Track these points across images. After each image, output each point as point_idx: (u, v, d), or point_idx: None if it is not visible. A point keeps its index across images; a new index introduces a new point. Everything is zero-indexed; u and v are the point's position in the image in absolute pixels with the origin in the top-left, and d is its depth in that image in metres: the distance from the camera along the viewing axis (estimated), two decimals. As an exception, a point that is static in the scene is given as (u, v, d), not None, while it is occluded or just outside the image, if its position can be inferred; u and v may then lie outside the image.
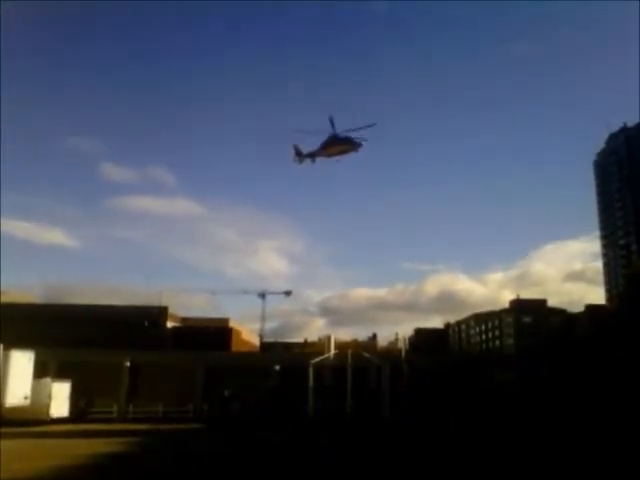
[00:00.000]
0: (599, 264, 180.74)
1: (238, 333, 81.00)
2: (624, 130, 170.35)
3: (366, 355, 51.75)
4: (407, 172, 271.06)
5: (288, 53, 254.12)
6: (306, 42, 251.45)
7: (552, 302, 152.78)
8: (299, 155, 59.22)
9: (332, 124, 54.71)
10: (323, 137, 56.59)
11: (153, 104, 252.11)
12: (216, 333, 71.72)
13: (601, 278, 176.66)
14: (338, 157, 56.59)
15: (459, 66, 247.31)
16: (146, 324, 68.21)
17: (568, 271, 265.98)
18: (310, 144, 58.92)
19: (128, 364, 48.70)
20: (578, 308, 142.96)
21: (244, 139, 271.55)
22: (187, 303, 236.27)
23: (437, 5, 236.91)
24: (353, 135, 54.58)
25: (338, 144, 55.11)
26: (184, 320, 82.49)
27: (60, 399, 42.52)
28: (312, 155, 58.45)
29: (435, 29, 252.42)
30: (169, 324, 74.07)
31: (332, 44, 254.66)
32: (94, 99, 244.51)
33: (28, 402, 36.53)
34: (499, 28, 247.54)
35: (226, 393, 44.67)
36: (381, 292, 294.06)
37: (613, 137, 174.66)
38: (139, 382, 48.19)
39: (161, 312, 73.25)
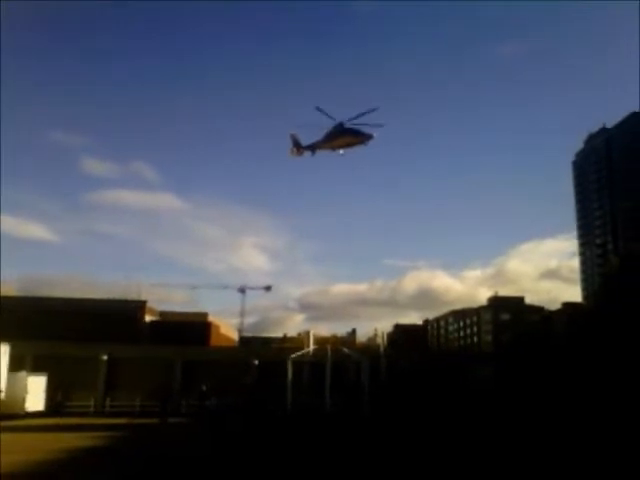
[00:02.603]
0: (575, 262, 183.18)
1: (217, 328, 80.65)
2: (603, 131, 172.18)
3: (345, 350, 51.90)
4: (389, 170, 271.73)
5: (274, 49, 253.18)
6: (291, 38, 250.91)
7: (529, 300, 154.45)
8: (297, 147, 53.52)
9: (325, 113, 48.56)
10: (315, 133, 51.76)
11: (136, 99, 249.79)
12: (195, 328, 71.29)
13: (577, 276, 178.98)
14: (343, 150, 50.67)
15: (443, 65, 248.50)
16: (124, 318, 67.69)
17: (544, 269, 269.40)
18: (305, 139, 53.69)
19: (105, 358, 48.34)
20: (555, 306, 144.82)
21: (227, 135, 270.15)
22: (166, 298, 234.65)
23: (422, 6, 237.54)
24: (353, 124, 48.95)
25: (345, 135, 49.33)
26: (162, 314, 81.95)
27: (36, 393, 42.14)
28: (313, 147, 52.71)
29: (420, 29, 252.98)
30: (147, 318, 73.53)
31: (313, 41, 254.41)
32: (76, 93, 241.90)
33: (3, 396, 36.15)
34: (484, 30, 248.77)
35: (204, 388, 44.49)
36: (361, 288, 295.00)
37: (592, 137, 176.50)
38: (116, 376, 47.88)
39: (139, 306, 72.68)
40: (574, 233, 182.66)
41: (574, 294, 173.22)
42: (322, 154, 53.20)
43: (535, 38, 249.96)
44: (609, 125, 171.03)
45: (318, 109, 47.94)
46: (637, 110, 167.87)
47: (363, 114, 47.67)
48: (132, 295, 77.91)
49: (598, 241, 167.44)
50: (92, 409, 45.25)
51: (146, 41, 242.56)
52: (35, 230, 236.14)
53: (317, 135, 52.50)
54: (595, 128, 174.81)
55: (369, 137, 48.56)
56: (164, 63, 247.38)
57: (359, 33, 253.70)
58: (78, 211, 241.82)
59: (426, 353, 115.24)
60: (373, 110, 47.74)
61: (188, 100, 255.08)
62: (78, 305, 68.46)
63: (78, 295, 75.99)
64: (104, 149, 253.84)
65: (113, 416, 42.74)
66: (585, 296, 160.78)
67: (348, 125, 49.03)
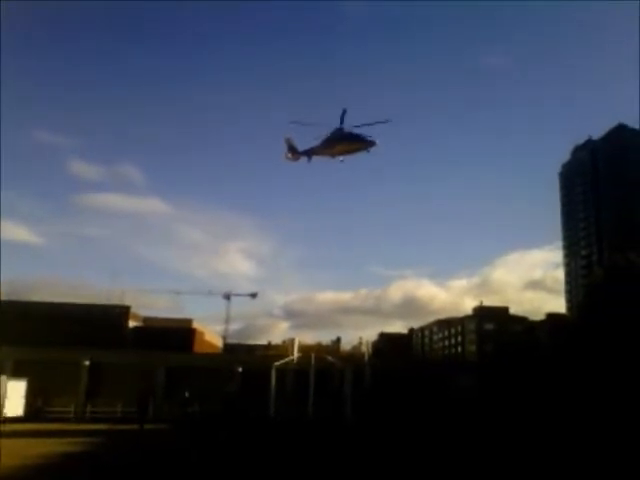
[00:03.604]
0: (559, 273, 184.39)
1: (201, 334, 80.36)
2: (589, 142, 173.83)
3: (330, 359, 51.80)
4: (376, 178, 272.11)
5: (264, 51, 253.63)
6: (278, 41, 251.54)
7: (513, 310, 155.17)
8: (292, 151, 49.83)
9: (342, 117, 45.35)
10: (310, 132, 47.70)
11: (124, 101, 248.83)
12: (179, 334, 70.98)
13: (561, 287, 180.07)
14: (342, 157, 47.25)
15: (429, 74, 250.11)
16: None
17: (528, 280, 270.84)
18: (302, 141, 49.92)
19: (87, 363, 47.87)
20: (538, 316, 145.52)
21: (214, 139, 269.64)
22: (151, 303, 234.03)
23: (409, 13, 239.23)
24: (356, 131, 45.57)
25: (346, 142, 45.97)
26: (146, 320, 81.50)
27: (15, 398, 41.67)
28: (310, 153, 49.14)
29: (406, 38, 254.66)
30: (131, 324, 73.12)
31: (293, 43, 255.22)
32: (63, 94, 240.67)
33: (-19, 401, 35.66)
34: (473, 41, 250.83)
35: (187, 394, 44.14)
36: (346, 296, 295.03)
37: (578, 149, 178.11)
38: (99, 382, 47.41)
39: (123, 312, 72.27)
40: (559, 244, 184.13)
41: (558, 305, 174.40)
42: (318, 160, 50.11)
43: (519, 47, 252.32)
44: (595, 137, 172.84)
45: (342, 115, 45.44)
46: (623, 122, 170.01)
47: (373, 124, 45.33)
48: (116, 300, 77.47)
49: (583, 252, 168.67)
50: (72, 415, 44.74)
51: (134, 43, 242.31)
52: (19, 233, 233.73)
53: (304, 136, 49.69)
54: (581, 140, 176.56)
55: (372, 144, 45.56)
56: (153, 65, 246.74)
57: (348, 35, 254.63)
58: (64, 214, 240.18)
59: (410, 362, 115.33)
60: (385, 122, 45.57)
61: (177, 103, 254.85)
62: (61, 310, 67.96)
63: (63, 299, 74.96)
64: (91, 151, 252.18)
65: (94, 422, 42.31)
66: (569, 307, 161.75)
67: (348, 130, 46.06)
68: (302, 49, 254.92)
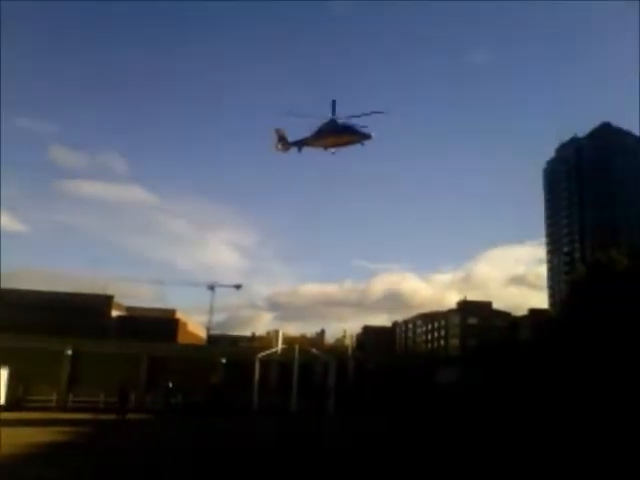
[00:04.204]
0: (541, 269, 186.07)
1: (184, 325, 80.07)
2: (574, 140, 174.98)
3: (314, 351, 51.86)
4: (361, 171, 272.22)
5: (251, 37, 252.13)
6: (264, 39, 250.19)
7: (496, 305, 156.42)
8: (283, 142, 48.48)
9: (333, 108, 44.04)
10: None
11: (106, 88, 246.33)
12: (162, 324, 70.66)
13: (543, 283, 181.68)
14: (334, 149, 45.92)
15: (417, 70, 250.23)
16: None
17: (511, 275, 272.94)
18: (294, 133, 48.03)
19: (70, 352, 47.51)
20: (521, 311, 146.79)
21: (199, 129, 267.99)
22: (134, 293, 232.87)
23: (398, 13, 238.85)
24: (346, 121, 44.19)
25: (340, 134, 44.70)
26: (129, 310, 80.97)
27: (-4, 386, 41.24)
28: (301, 143, 47.75)
29: (396, 36, 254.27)
30: (114, 313, 72.64)
31: (281, 39, 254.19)
32: (45, 80, 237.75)
33: (-39, 389, 35.27)
34: (461, 39, 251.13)
35: (170, 385, 43.99)
36: (330, 288, 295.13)
37: (563, 147, 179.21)
38: (81, 371, 47.10)
39: (106, 301, 71.75)
40: (542, 240, 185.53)
41: (540, 300, 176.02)
42: (305, 153, 48.53)
43: (510, 50, 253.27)
44: (580, 134, 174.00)
45: (332, 106, 43.78)
46: (607, 121, 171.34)
47: (367, 114, 43.67)
48: (99, 289, 76.86)
49: (566, 249, 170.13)
50: (54, 404, 44.41)
51: (120, 29, 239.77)
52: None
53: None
54: (566, 137, 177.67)
55: (367, 137, 44.22)
56: (137, 53, 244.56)
57: (334, 34, 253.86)
58: (45, 201, 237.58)
59: (394, 355, 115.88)
60: (380, 112, 43.99)
61: (162, 92, 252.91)
62: (44, 298, 67.25)
63: (44, 288, 74.29)
64: (73, 138, 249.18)
65: (76, 411, 42.01)
66: (551, 303, 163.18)
67: (342, 121, 44.49)
68: (289, 45, 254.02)
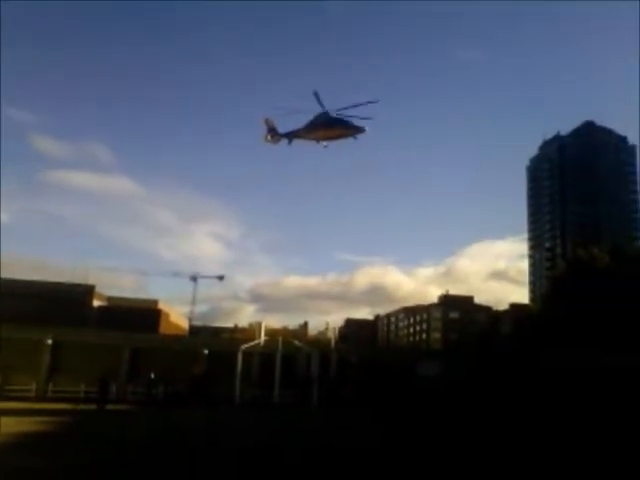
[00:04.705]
0: (522, 264, 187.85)
1: (167, 315, 79.49)
2: (557, 138, 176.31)
3: (296, 343, 51.83)
4: (346, 164, 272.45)
5: (239, 30, 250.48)
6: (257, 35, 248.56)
7: (477, 299, 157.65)
8: (272, 133, 47.45)
9: (318, 100, 42.95)
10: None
11: (91, 77, 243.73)
12: (144, 314, 70.04)
13: (524, 278, 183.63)
14: (326, 142, 45.13)
15: (405, 64, 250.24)
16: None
17: (492, 270, 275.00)
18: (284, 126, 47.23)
19: (50, 341, 47.03)
20: (502, 306, 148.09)
21: (185, 120, 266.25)
22: (116, 283, 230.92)
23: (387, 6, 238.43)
24: (339, 114, 43.50)
25: (333, 127, 43.72)
26: (111, 300, 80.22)
27: (-26, 375, 40.72)
28: (292, 135, 46.83)
29: (382, 33, 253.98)
30: (95, 303, 71.95)
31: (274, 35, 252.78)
32: (29, 69, 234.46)
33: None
34: (450, 34, 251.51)
35: (152, 375, 43.74)
36: (313, 281, 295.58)
37: (546, 144, 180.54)
38: (61, 361, 46.61)
39: (87, 290, 71.02)
40: (524, 236, 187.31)
41: (521, 295, 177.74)
42: (295, 144, 47.63)
43: (499, 45, 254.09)
44: (563, 132, 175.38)
45: (315, 96, 42.28)
46: (591, 119, 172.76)
47: (360, 105, 42.57)
48: (80, 279, 75.98)
49: (547, 245, 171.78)
50: (34, 394, 43.97)
51: (105, 18, 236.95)
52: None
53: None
54: (550, 135, 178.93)
55: (360, 130, 43.22)
56: (123, 43, 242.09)
57: (326, 30, 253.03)
58: (28, 191, 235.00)
59: (376, 348, 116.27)
60: (374, 102, 42.91)
61: (149, 83, 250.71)
62: (24, 287, 66.31)
63: (25, 277, 73.21)
64: (58, 128, 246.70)
65: (56, 401, 41.64)
66: (532, 298, 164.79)
67: (335, 114, 43.61)
68: (279, 41, 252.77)
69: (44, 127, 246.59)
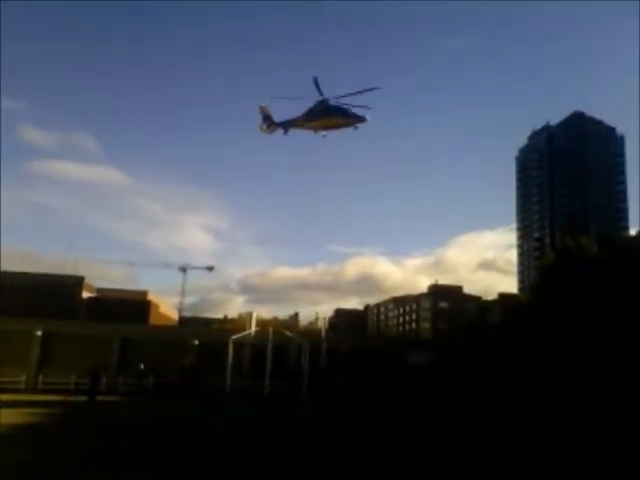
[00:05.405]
0: (511, 254, 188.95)
1: (156, 306, 79.23)
2: (546, 128, 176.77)
3: (287, 333, 51.88)
4: (336, 155, 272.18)
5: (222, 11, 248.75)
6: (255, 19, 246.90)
7: (466, 289, 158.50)
8: (268, 122, 45.46)
9: (317, 87, 41.31)
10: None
11: (79, 67, 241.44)
12: (134, 305, 69.81)
13: (513, 268, 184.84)
14: (325, 132, 43.54)
15: (394, 54, 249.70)
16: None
17: (481, 260, 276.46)
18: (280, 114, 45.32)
19: (40, 333, 46.86)
20: (491, 296, 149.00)
21: (176, 111, 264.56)
22: (106, 274, 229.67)
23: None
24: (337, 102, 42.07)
25: (333, 116, 41.92)
26: (100, 291, 79.92)
27: (-36, 367, 40.51)
28: (289, 124, 44.97)
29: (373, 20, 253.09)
30: (85, 295, 71.60)
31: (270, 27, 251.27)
32: (14, 57, 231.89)
33: None
34: (439, 24, 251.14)
35: (142, 367, 43.68)
36: (303, 272, 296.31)
37: (535, 134, 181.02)
38: (51, 352, 46.48)
39: (77, 282, 70.66)
40: (512, 226, 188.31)
41: (509, 285, 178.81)
42: (282, 136, 46.00)
43: (488, 36, 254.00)
44: (553, 122, 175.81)
45: (315, 83, 40.84)
46: (580, 110, 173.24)
47: (360, 92, 41.05)
48: (69, 270, 75.65)
49: (536, 235, 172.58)
50: (24, 385, 43.85)
51: (95, 9, 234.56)
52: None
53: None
54: (539, 125, 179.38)
55: (361, 119, 41.68)
56: (111, 33, 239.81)
57: (321, 21, 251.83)
58: (14, 180, 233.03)
59: (366, 338, 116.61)
60: (372, 89, 41.09)
61: (137, 72, 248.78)
62: (13, 279, 65.89)
63: (13, 268, 72.71)
64: (45, 117, 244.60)
65: (46, 393, 41.55)
66: (520, 288, 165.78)
67: (334, 102, 42.07)
68: (274, 31, 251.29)
69: (31, 117, 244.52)
